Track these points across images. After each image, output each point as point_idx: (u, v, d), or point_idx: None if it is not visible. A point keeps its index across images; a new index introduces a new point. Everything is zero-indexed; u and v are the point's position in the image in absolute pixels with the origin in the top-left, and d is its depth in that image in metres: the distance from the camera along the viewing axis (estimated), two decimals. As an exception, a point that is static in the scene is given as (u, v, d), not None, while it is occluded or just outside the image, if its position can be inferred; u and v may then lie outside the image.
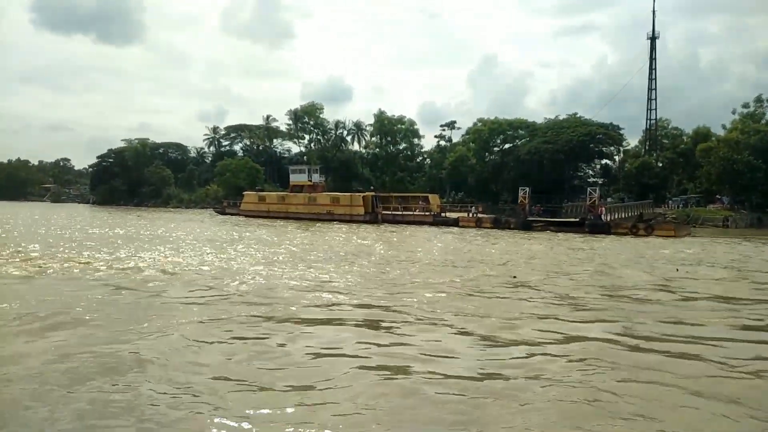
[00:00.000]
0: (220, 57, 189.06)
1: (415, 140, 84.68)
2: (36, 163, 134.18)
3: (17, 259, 15.20)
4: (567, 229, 36.93)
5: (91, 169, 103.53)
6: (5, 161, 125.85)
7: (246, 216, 53.61)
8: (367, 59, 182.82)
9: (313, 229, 34.99)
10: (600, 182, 64.66)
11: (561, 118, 72.40)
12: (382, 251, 21.68)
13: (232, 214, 56.82)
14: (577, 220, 38.77)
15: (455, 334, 8.45)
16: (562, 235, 33.51)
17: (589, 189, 43.02)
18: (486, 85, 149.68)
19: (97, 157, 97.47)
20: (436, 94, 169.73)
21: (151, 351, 6.93)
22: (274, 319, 8.95)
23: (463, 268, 16.31)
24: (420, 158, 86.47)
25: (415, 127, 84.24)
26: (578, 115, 70.45)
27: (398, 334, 8.27)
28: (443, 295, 11.65)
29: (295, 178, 56.57)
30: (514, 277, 14.71)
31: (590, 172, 69.83)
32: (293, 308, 9.83)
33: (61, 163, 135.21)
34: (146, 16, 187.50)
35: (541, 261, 19.12)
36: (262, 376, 6.21)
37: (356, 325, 8.77)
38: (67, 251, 17.78)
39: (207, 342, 7.52)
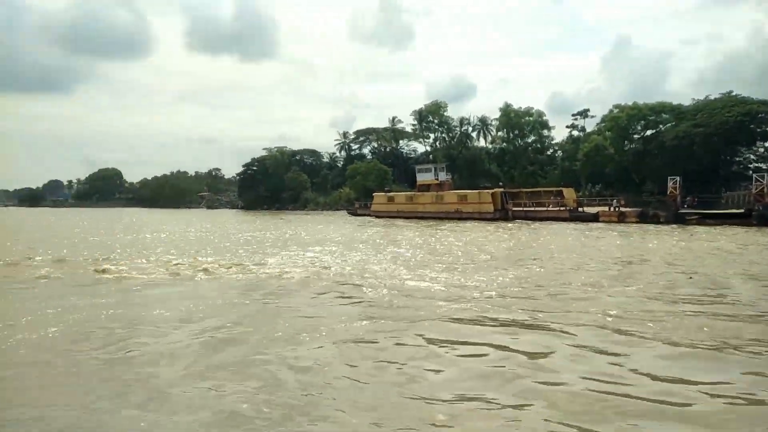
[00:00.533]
0: (347, 64, 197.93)
1: (545, 132, 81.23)
2: (193, 173, 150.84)
3: (163, 264, 16.60)
4: (729, 222, 32.87)
5: (238, 177, 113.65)
6: (169, 173, 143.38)
7: (376, 216, 55.24)
8: (490, 52, 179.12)
9: (444, 228, 34.88)
10: (766, 167, 56.57)
11: (712, 98, 64.64)
12: (526, 249, 20.65)
13: (363, 215, 58.90)
14: (742, 211, 34.32)
15: (664, 364, 6.71)
16: (728, 230, 29.81)
17: (755, 175, 37.88)
18: (621, 70, 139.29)
19: (243, 166, 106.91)
20: (565, 83, 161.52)
21: (306, 361, 6.88)
22: (419, 329, 8.37)
23: (626, 271, 14.62)
24: (551, 151, 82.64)
25: (544, 118, 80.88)
26: (733, 93, 62.35)
27: (586, 362, 6.75)
28: (627, 311, 9.37)
29: (422, 178, 57.09)
30: (690, 278, 13.08)
31: (752, 156, 61.39)
32: (438, 320, 9.00)
33: (213, 173, 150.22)
34: (280, 32, 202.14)
35: (728, 262, 16.50)
36: (417, 390, 5.89)
37: (517, 349, 7.30)
38: (218, 255, 19.42)
39: (357, 357, 7.14)
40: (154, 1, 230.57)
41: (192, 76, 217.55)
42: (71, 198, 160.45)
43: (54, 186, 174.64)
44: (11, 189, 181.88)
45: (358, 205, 65.63)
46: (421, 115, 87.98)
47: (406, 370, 6.58)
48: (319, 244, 24.10)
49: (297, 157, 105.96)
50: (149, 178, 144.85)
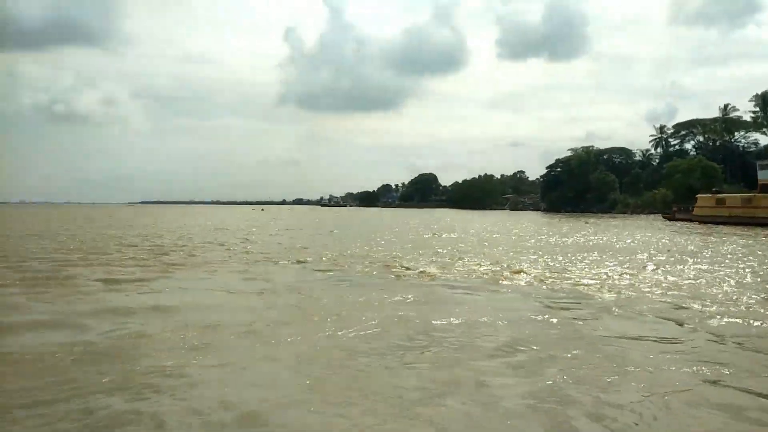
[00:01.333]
0: (667, 52, 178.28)
1: None
2: (498, 176, 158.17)
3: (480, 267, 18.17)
4: None
5: (541, 179, 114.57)
6: (477, 176, 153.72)
7: (700, 222, 48.80)
8: None
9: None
10: None
11: None
12: None
13: (683, 220, 52.69)
14: None
15: None
16: None
17: None
18: None
19: (546, 168, 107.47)
20: None
21: (608, 418, 4.89)
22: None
23: None
24: None
25: None
26: None
27: None
28: None
29: (765, 176, 47.73)
30: None
31: None
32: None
33: (518, 176, 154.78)
34: (589, 27, 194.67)
35: None
36: None
37: None
38: (533, 260, 20.35)
39: (674, 415, 4.97)
40: (471, 16, 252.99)
41: (501, 83, 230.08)
42: (397, 199, 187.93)
43: (385, 189, 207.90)
44: (354, 191, 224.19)
45: (677, 208, 58.77)
46: (764, 100, 73.20)
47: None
48: (631, 252, 22.93)
49: (605, 157, 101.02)
50: (460, 182, 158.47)
